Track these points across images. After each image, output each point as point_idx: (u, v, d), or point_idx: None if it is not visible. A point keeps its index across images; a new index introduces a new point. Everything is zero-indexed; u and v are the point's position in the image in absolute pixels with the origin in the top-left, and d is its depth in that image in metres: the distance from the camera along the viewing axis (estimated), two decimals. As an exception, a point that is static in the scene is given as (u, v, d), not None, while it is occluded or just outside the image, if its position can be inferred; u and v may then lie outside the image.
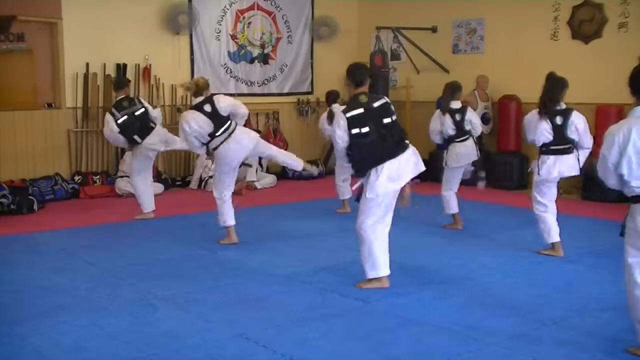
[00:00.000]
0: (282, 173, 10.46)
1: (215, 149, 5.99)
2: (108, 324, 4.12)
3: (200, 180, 9.55)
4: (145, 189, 7.37)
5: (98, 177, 8.98)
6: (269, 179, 9.74)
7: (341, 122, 4.63)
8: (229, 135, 5.95)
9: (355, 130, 4.61)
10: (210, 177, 9.45)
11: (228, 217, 6.19)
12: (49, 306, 4.46)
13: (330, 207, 7.83)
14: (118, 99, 7.34)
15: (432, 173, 10.16)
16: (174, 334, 3.95)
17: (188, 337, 3.91)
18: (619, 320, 4.21)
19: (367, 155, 4.63)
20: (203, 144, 6.03)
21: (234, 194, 9.06)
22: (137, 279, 5.07)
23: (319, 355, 3.66)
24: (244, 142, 6.03)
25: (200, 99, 5.98)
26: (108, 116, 7.21)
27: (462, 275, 5.19)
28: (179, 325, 4.11)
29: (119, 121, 7.13)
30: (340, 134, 4.65)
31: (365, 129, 4.61)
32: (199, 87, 6.01)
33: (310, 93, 11.21)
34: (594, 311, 4.38)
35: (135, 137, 7.18)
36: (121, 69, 9.19)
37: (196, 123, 5.88)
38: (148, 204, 7.37)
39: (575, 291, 4.81)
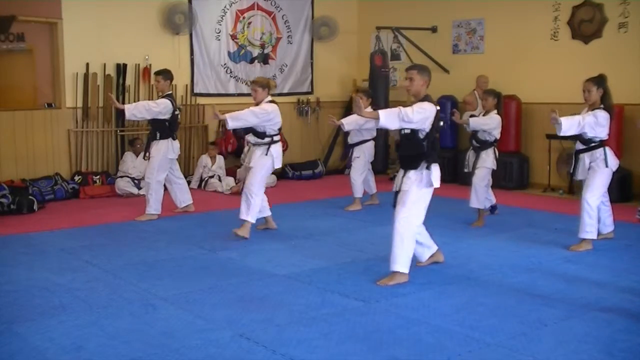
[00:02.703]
0: (282, 173, 10.47)
1: (270, 144, 6.38)
2: (108, 324, 4.12)
3: (201, 180, 9.54)
4: (161, 191, 7.37)
5: (98, 177, 8.98)
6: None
7: (432, 109, 4.95)
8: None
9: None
10: (211, 177, 9.46)
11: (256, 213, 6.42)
12: (49, 306, 4.46)
13: (330, 207, 7.84)
14: (171, 92, 7.43)
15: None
16: (174, 334, 3.95)
17: (188, 337, 3.91)
18: (618, 320, 4.21)
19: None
20: (263, 135, 6.38)
21: (234, 194, 9.12)
22: (137, 279, 5.07)
23: (319, 355, 3.66)
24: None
25: (269, 97, 6.41)
26: (166, 100, 7.20)
27: (462, 275, 5.19)
28: (179, 325, 4.11)
29: (176, 112, 7.34)
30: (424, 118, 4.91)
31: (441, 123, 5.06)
32: (271, 87, 6.46)
33: (310, 93, 11.22)
34: (594, 311, 4.38)
35: (175, 134, 7.38)
36: (121, 69, 9.20)
37: (278, 115, 6.40)
38: (158, 206, 7.35)
39: (575, 291, 4.81)
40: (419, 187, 4.96)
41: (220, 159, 9.65)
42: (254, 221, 6.38)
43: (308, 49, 11.19)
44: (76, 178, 8.85)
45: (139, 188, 8.86)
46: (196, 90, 9.99)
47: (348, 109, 11.39)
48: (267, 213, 6.77)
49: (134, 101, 9.26)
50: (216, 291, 4.78)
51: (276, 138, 6.43)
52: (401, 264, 4.90)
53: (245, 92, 10.47)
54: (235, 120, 6.22)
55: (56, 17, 8.67)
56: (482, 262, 5.58)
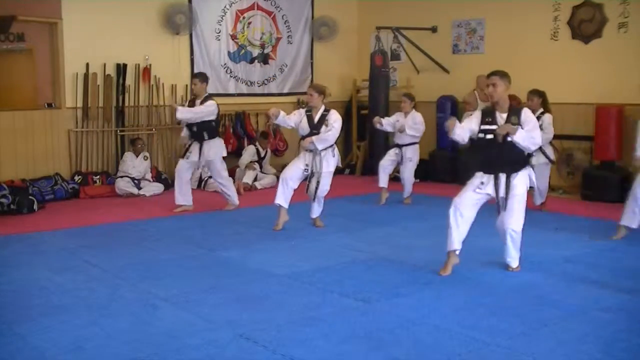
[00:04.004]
0: (282, 173, 10.45)
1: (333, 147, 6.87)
2: (108, 324, 4.12)
3: (200, 180, 9.54)
4: (232, 183, 7.97)
5: (98, 177, 8.98)
6: (269, 179, 9.74)
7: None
8: None
9: None
10: (210, 177, 9.45)
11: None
12: (49, 306, 4.46)
13: (330, 206, 7.82)
14: (208, 94, 7.71)
15: (432, 173, 10.21)
16: (174, 334, 3.95)
17: (188, 337, 3.91)
18: (618, 321, 4.21)
19: None
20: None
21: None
22: (137, 279, 5.06)
23: (319, 355, 3.66)
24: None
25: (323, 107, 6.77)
26: (213, 102, 7.56)
27: (462, 275, 5.19)
28: (179, 325, 4.11)
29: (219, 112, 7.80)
30: None
31: None
32: (326, 95, 6.79)
33: (310, 93, 11.20)
34: (594, 311, 4.38)
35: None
36: (121, 69, 9.20)
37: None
38: (236, 197, 7.91)
39: (575, 291, 4.81)
40: (526, 190, 5.20)
41: (218, 159, 9.66)
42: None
43: (308, 49, 11.19)
44: (76, 178, 8.84)
45: (139, 188, 8.87)
46: (196, 90, 9.99)
47: (348, 109, 11.40)
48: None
49: (134, 101, 9.28)
50: (216, 291, 4.78)
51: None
52: (517, 259, 5.32)
53: (245, 92, 10.48)
54: (325, 143, 6.71)
55: (56, 17, 8.67)
56: (482, 262, 5.58)
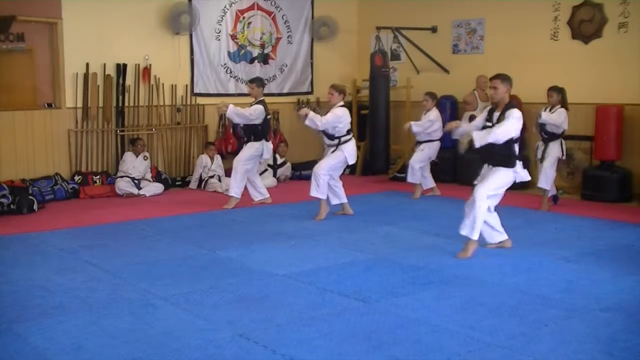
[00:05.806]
0: (282, 173, 10.45)
1: (338, 144, 7.21)
2: (108, 324, 4.12)
3: (200, 179, 9.54)
4: (244, 179, 7.97)
5: (98, 177, 8.98)
6: (269, 180, 9.74)
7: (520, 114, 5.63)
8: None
9: None
10: (211, 177, 9.46)
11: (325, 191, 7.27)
12: (49, 306, 4.46)
13: (330, 207, 7.83)
14: (263, 98, 7.95)
15: (433, 173, 10.20)
16: (174, 334, 3.95)
17: (188, 337, 3.92)
18: (618, 320, 4.21)
19: None
20: (333, 137, 7.23)
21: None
22: (137, 279, 5.06)
23: (319, 355, 3.66)
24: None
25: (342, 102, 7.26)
26: (259, 106, 7.80)
27: (462, 275, 5.19)
28: (179, 325, 4.11)
29: (268, 117, 8.03)
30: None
31: None
32: (345, 94, 7.37)
33: (310, 93, 11.21)
34: (594, 311, 4.38)
35: (268, 136, 8.16)
36: (121, 69, 9.20)
37: (348, 117, 7.28)
38: (239, 191, 7.93)
39: (575, 291, 4.81)
40: (500, 180, 5.63)
41: (218, 159, 9.67)
42: (324, 197, 7.19)
43: (308, 49, 11.19)
44: (76, 178, 8.84)
45: (139, 188, 8.87)
46: (196, 90, 9.99)
47: (348, 109, 11.38)
48: (344, 200, 7.38)
49: (134, 101, 9.29)
50: (216, 291, 4.78)
51: (345, 138, 7.21)
52: (475, 231, 5.66)
53: (245, 93, 10.44)
54: (312, 124, 7.04)
55: (56, 17, 8.67)
56: (482, 262, 5.58)
